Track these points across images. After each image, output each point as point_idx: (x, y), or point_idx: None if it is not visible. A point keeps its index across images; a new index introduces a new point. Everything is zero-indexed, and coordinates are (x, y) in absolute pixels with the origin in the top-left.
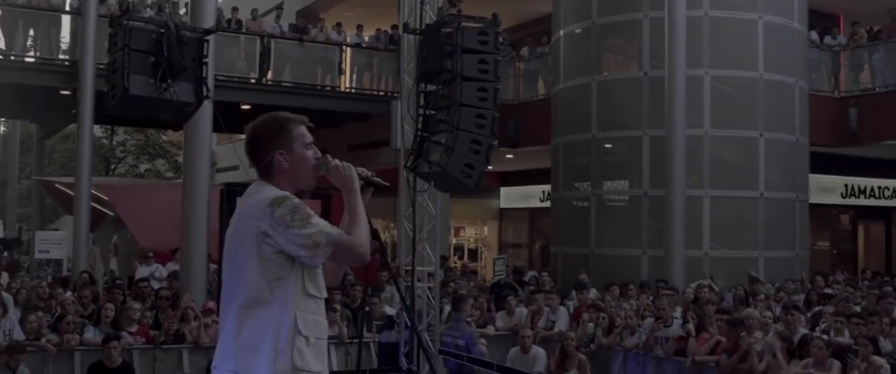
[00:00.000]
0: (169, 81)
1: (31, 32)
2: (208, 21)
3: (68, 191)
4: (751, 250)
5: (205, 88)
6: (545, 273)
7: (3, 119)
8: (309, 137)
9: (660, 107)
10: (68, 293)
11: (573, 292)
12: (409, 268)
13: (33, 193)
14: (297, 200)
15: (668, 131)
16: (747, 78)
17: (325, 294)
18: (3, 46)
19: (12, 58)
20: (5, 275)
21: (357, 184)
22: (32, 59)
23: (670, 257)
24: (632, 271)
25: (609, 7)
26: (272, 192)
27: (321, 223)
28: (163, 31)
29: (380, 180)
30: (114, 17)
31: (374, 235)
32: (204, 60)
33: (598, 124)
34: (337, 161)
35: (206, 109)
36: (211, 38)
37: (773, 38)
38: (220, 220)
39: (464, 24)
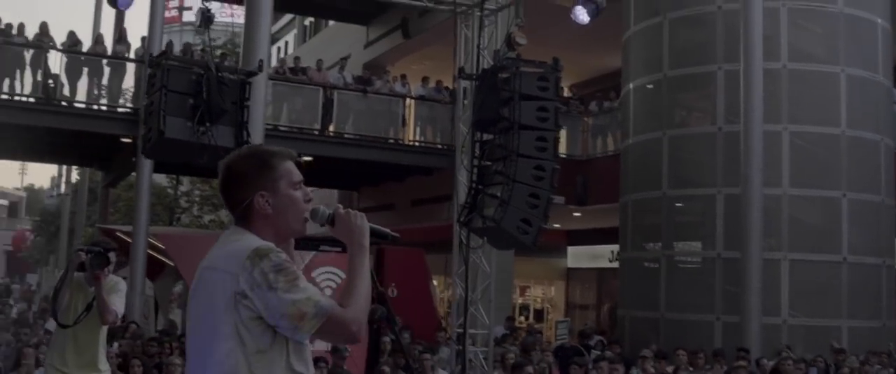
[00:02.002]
0: (207, 124)
1: (95, 80)
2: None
3: (129, 239)
4: (833, 319)
5: (245, 133)
6: (615, 345)
7: (75, 168)
8: (297, 175)
9: (735, 164)
10: (114, 345)
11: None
12: (462, 330)
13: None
14: (283, 255)
15: (744, 190)
16: (829, 134)
17: (312, 371)
18: (67, 93)
19: (76, 105)
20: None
21: (368, 239)
22: (95, 107)
23: (746, 325)
24: (704, 337)
25: (681, 59)
26: (252, 241)
27: (310, 290)
28: (203, 72)
29: (389, 232)
30: (152, 57)
31: (381, 298)
32: (245, 104)
33: (669, 182)
34: (346, 209)
35: None
36: (263, 83)
37: (856, 92)
38: None
39: (522, 68)
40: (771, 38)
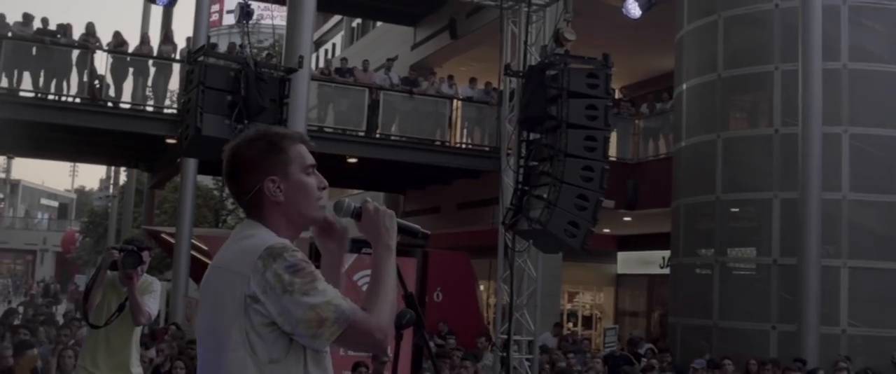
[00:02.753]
0: (245, 121)
1: (141, 81)
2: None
3: (173, 241)
4: (895, 330)
5: None
6: (666, 353)
7: (123, 169)
8: (310, 159)
9: (792, 167)
10: (152, 349)
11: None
12: (506, 337)
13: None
14: (300, 253)
15: (802, 194)
16: (892, 137)
17: None
18: (112, 94)
19: (121, 106)
20: None
21: (395, 241)
22: (140, 108)
23: (803, 334)
24: (759, 347)
25: (736, 59)
26: (266, 237)
27: (329, 291)
28: (241, 68)
29: (418, 228)
30: (190, 53)
31: (409, 301)
32: (284, 101)
33: (723, 186)
34: (374, 204)
35: None
36: (305, 80)
37: None
38: None
39: (571, 64)
40: (831, 37)
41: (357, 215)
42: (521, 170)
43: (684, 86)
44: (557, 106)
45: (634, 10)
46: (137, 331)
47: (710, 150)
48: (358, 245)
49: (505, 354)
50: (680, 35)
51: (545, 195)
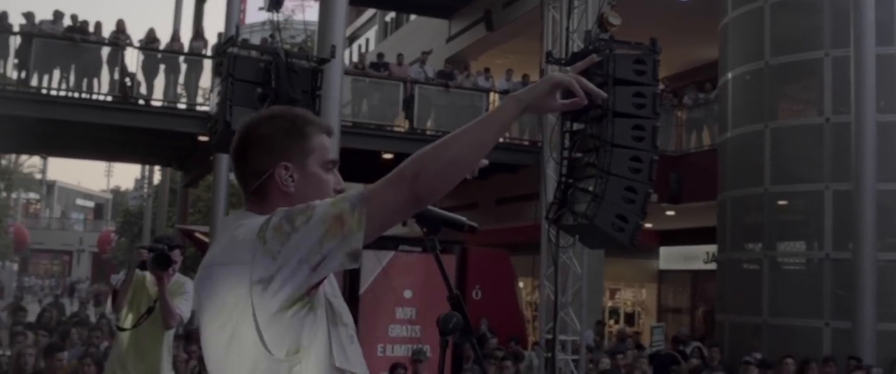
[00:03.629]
0: None
1: (172, 78)
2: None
3: (207, 240)
4: None
5: None
6: (715, 349)
7: (157, 169)
8: (332, 153)
9: (845, 157)
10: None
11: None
12: (550, 336)
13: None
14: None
15: (856, 185)
16: None
17: (362, 370)
18: (144, 91)
19: (153, 103)
20: None
21: (532, 94)
22: (171, 105)
23: (859, 331)
24: (812, 344)
25: (784, 46)
26: (260, 219)
27: (329, 199)
28: (271, 59)
29: (464, 220)
30: (219, 45)
31: (456, 304)
32: (317, 93)
33: (771, 177)
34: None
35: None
36: (338, 72)
37: None
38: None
39: (617, 50)
40: (884, 21)
41: None
42: (565, 162)
43: (729, 75)
44: None
45: None
46: (169, 334)
47: (758, 140)
48: (394, 242)
49: (549, 354)
50: (724, 22)
51: (591, 188)
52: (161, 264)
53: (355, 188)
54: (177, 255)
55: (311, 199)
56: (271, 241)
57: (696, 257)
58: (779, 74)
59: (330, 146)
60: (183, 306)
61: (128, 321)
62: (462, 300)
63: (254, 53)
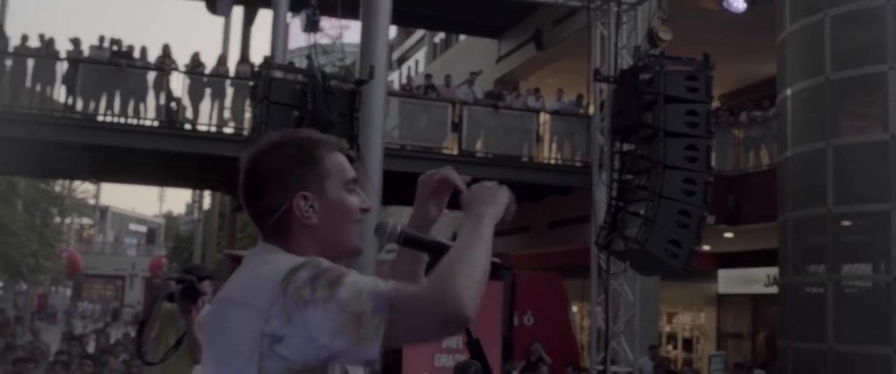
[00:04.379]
0: None
1: (217, 102)
2: (378, 74)
3: None
4: None
5: (356, 148)
6: None
7: (208, 193)
8: (350, 172)
9: None
10: None
11: None
12: (602, 367)
13: (224, 266)
14: (325, 261)
15: None
16: None
17: None
18: (190, 116)
19: (198, 128)
20: None
21: (495, 209)
22: (216, 129)
23: None
24: (880, 373)
25: (846, 60)
26: (287, 261)
27: (360, 280)
28: (307, 81)
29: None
30: (254, 67)
31: (474, 350)
32: (355, 115)
33: (835, 197)
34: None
35: (375, 177)
36: (381, 93)
37: None
38: None
39: (667, 66)
40: None
41: (403, 239)
42: (615, 184)
43: (788, 91)
44: (653, 113)
45: (738, 4)
46: (198, 369)
47: (820, 159)
48: None
49: None
50: (782, 37)
51: (642, 212)
52: (189, 296)
53: (390, 284)
54: (206, 285)
55: (337, 225)
56: (290, 299)
57: (756, 281)
58: (840, 90)
59: (346, 164)
60: None
61: (156, 354)
62: (482, 346)
63: (290, 76)
